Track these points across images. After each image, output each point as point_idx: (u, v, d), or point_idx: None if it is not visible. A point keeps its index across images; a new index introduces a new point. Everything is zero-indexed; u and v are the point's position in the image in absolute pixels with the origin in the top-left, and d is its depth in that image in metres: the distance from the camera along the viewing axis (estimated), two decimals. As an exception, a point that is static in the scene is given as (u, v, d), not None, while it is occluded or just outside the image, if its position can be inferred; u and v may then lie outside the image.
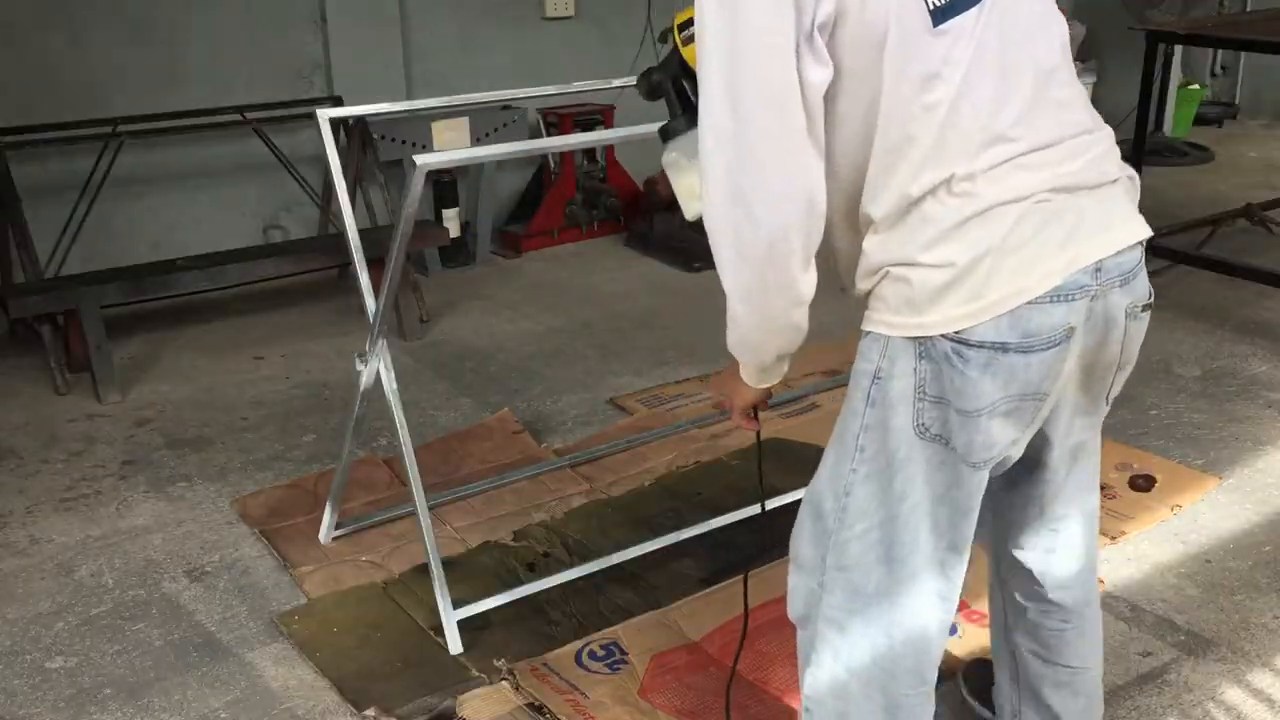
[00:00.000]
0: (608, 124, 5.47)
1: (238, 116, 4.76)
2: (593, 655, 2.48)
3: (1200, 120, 7.20)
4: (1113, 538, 2.88)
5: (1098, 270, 1.53)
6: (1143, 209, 1.65)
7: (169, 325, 4.58)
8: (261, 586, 2.83)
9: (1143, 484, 3.09)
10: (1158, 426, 3.49)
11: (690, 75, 1.73)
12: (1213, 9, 6.66)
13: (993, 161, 1.48)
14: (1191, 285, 4.47)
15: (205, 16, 4.79)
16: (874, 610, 1.68)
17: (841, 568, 1.68)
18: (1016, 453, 1.65)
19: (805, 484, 3.28)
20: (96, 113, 4.56)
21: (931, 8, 1.44)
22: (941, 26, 1.44)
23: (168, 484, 3.35)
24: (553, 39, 5.70)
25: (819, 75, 1.43)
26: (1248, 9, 6.91)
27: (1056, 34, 1.58)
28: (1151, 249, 5.04)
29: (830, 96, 1.46)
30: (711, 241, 1.51)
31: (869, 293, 1.57)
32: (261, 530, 3.05)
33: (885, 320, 1.54)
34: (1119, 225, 1.58)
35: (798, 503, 3.12)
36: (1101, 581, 2.69)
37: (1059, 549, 1.85)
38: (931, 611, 1.69)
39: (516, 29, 5.58)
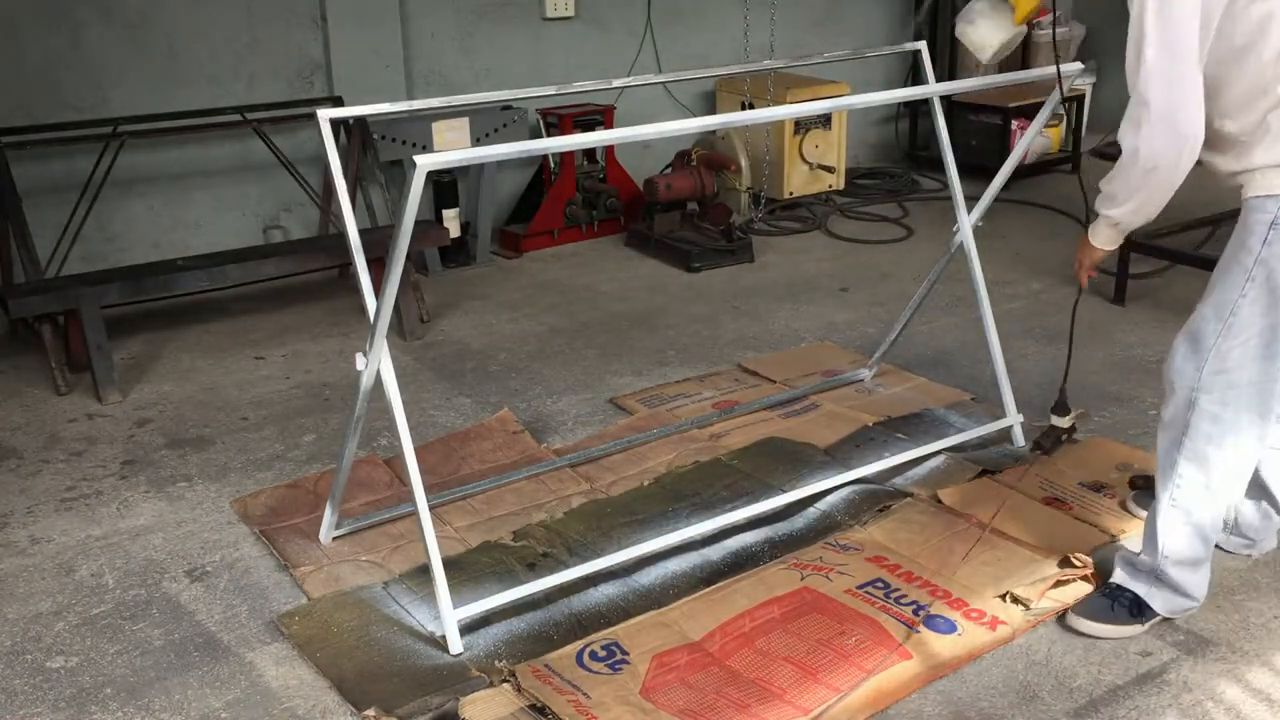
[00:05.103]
0: (608, 124, 5.47)
1: (238, 116, 4.77)
2: (594, 655, 2.48)
3: (1200, 120, 7.18)
4: (1113, 536, 2.88)
5: None
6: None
7: (169, 325, 4.59)
8: (262, 586, 2.84)
9: (1143, 484, 3.09)
10: (1157, 426, 3.47)
11: None
12: (1212, 9, 6.63)
13: None
14: (1191, 285, 4.45)
15: (205, 16, 4.80)
16: (1247, 397, 2.36)
17: (1221, 370, 2.35)
18: None
19: (804, 483, 3.28)
20: (96, 113, 4.57)
21: None
22: None
23: (168, 484, 3.35)
24: (553, 39, 5.70)
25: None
26: (1247, 9, 6.89)
27: None
28: (1151, 249, 4.97)
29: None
30: (1140, 157, 2.28)
31: (1252, 171, 2.27)
32: (262, 530, 3.05)
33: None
34: None
35: (799, 502, 3.11)
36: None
37: None
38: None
39: (516, 29, 5.58)
